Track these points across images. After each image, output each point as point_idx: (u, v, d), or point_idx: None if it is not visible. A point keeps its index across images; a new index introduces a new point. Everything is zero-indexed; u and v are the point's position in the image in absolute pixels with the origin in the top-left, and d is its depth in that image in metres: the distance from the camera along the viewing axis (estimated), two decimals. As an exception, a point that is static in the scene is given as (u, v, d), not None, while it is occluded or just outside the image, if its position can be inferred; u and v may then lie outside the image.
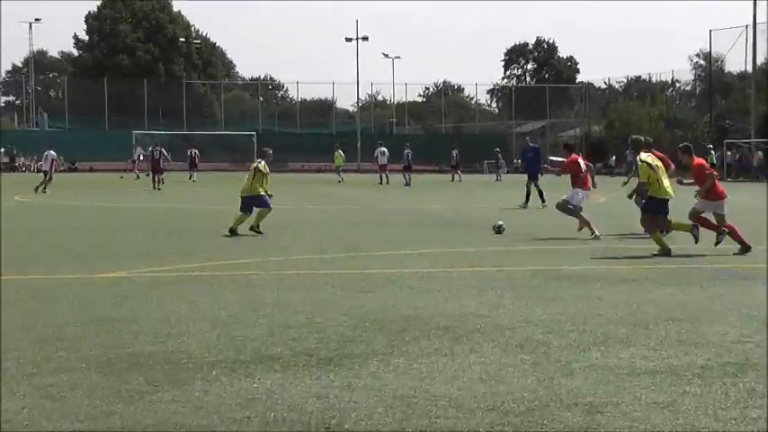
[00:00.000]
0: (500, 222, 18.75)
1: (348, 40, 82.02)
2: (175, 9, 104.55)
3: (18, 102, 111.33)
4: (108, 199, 33.47)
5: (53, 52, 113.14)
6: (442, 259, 14.68)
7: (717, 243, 15.31)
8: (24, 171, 70.02)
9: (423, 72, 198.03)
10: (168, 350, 7.78)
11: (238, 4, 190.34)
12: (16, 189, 39.63)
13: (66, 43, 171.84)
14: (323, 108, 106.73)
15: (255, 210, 18.69)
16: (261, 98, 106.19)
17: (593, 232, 17.45)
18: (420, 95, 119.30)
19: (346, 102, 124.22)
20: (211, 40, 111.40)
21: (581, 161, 19.03)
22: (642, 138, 17.08)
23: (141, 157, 57.04)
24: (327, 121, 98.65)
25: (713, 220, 15.69)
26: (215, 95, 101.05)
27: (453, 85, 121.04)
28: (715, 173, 16.48)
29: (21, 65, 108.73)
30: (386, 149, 51.50)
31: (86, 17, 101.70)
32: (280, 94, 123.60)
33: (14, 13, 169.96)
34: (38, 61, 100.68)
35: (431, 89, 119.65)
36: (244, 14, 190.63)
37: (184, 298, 10.50)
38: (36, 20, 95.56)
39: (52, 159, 38.98)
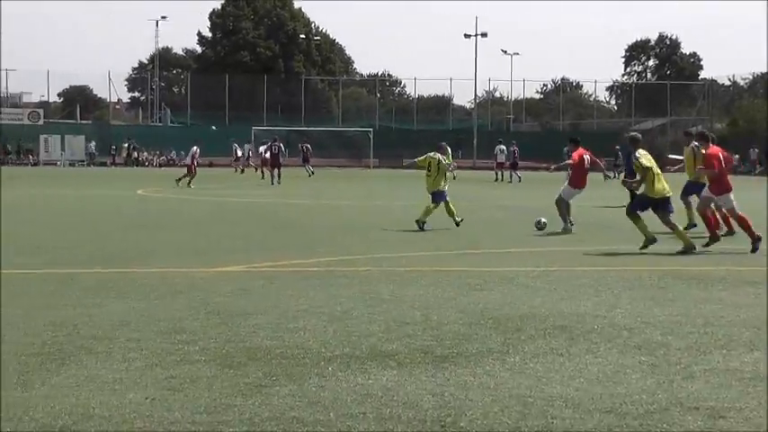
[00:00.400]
0: (543, 219, 18.86)
1: (467, 36, 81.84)
2: (296, 6, 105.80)
3: (143, 98, 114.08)
4: (227, 193, 34.04)
5: (177, 49, 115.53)
6: (558, 258, 14.53)
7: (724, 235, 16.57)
8: (147, 166, 71.70)
9: (541, 69, 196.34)
10: (285, 344, 7.88)
11: (358, 2, 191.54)
12: (140, 183, 40.65)
13: (190, 40, 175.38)
14: (440, 104, 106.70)
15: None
16: (378, 94, 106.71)
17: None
18: (538, 92, 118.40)
19: (463, 98, 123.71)
20: (331, 36, 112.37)
21: (586, 156, 19.69)
22: (638, 134, 17.17)
23: (249, 154, 57.74)
24: (444, 118, 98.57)
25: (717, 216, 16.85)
26: (333, 92, 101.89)
27: (572, 82, 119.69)
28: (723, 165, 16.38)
29: (146, 61, 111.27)
30: (505, 147, 51.38)
31: (210, 14, 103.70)
32: (397, 91, 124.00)
33: (142, 11, 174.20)
34: (162, 58, 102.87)
35: (549, 86, 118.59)
36: (363, 11, 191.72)
37: (301, 293, 10.61)
38: (162, 17, 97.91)
39: (192, 154, 39.87)
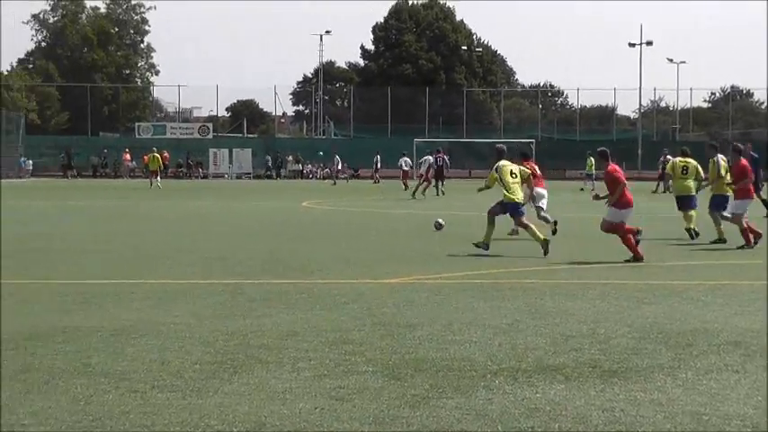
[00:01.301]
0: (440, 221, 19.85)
1: (631, 45, 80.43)
2: (458, 18, 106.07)
3: (307, 111, 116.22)
4: (389, 205, 34.27)
5: (341, 63, 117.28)
6: (730, 271, 14.10)
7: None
8: (311, 178, 72.93)
9: (709, 77, 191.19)
10: (451, 356, 7.87)
11: (520, 12, 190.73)
12: (304, 195, 41.38)
13: (353, 54, 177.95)
14: (603, 115, 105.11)
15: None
16: (540, 105, 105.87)
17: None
18: (705, 101, 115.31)
19: (627, 108, 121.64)
20: (492, 47, 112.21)
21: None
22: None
23: (404, 166, 57.79)
24: (607, 128, 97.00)
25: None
26: (494, 103, 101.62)
27: (741, 90, 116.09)
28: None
29: (311, 75, 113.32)
30: (671, 158, 50.16)
31: (373, 28, 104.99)
32: (559, 101, 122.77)
33: (307, 26, 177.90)
34: (326, 72, 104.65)
35: (717, 94, 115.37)
36: (524, 22, 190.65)
37: (466, 305, 10.60)
38: (326, 32, 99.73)
39: (430, 164, 40.81)
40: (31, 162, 71.68)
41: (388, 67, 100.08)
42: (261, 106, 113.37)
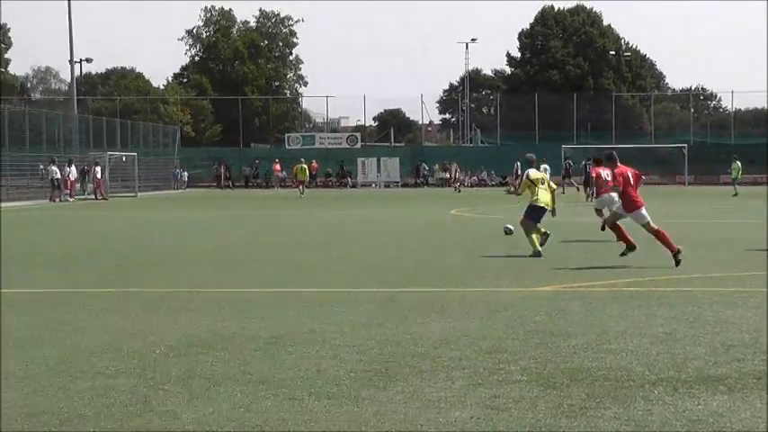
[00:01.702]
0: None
1: (787, 44, 77.82)
2: (605, 23, 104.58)
3: (453, 119, 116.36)
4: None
5: (486, 70, 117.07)
6: None
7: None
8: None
9: None
10: (608, 366, 7.75)
11: (668, 13, 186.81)
12: (453, 203, 41.39)
13: (498, 61, 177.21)
14: (759, 118, 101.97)
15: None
16: (692, 109, 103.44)
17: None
18: None
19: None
20: (641, 51, 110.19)
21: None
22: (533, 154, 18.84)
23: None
24: (764, 132, 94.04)
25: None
26: (644, 108, 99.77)
27: None
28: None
29: (457, 83, 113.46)
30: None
31: (519, 35, 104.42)
32: (712, 105, 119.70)
33: (453, 35, 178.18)
34: (472, 79, 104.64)
35: None
36: (673, 25, 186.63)
37: (620, 313, 10.43)
38: (472, 40, 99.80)
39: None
40: (186, 174, 73.74)
41: (535, 73, 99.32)
42: (407, 115, 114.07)
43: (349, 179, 73.81)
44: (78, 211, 38.76)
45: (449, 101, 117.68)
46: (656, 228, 15.79)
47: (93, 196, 50.74)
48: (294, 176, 55.14)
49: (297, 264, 16.23)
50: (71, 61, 66.59)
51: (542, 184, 17.82)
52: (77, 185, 52.03)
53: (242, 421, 6.25)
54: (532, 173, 18.02)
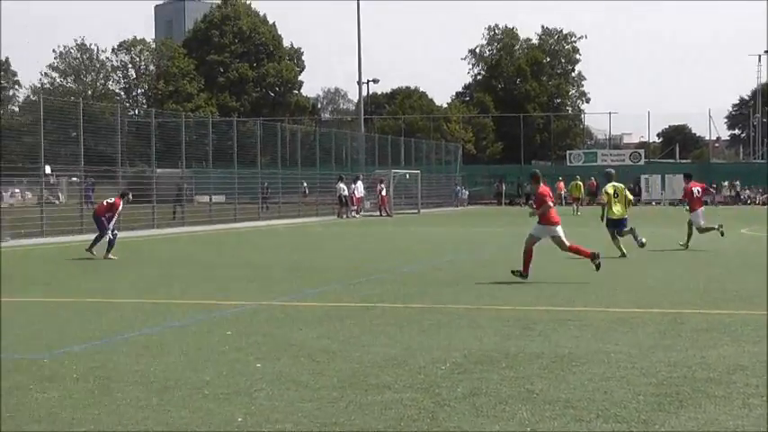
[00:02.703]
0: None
1: None
2: None
3: (743, 135, 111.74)
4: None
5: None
6: None
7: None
8: (749, 203, 69.90)
9: None
10: None
11: None
12: (744, 222, 39.60)
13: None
14: None
15: None
16: None
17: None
18: None
19: None
20: None
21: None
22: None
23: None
24: None
25: None
26: None
27: None
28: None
29: (747, 97, 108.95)
30: None
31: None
32: None
33: (745, 47, 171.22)
34: (765, 93, 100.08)
35: None
36: None
37: None
38: (765, 52, 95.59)
39: None
40: (466, 191, 74.51)
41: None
42: (694, 131, 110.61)
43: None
44: (364, 227, 39.93)
45: (738, 116, 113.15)
46: None
47: (378, 213, 52.13)
48: (569, 194, 54.81)
49: (577, 283, 15.96)
50: (359, 82, 69.02)
51: (616, 196, 21.87)
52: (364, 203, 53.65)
53: (529, 441, 6.20)
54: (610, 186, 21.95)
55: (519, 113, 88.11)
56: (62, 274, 18.94)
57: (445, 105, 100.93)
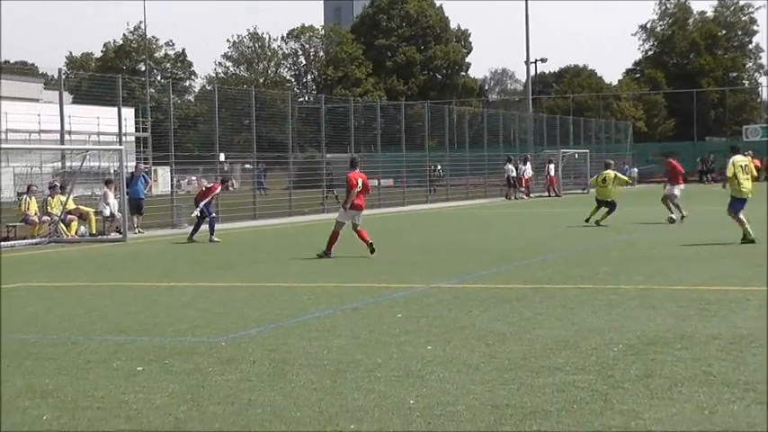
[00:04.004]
0: None
1: None
2: None
3: None
4: None
5: None
6: None
7: None
8: None
9: None
10: None
11: None
12: None
13: None
14: None
15: None
16: None
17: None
18: None
19: None
20: None
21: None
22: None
23: None
24: None
25: None
26: None
27: None
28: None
29: None
30: None
31: None
32: None
33: None
34: None
35: None
36: None
37: None
38: None
39: None
40: (636, 170, 72.95)
41: None
42: None
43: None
44: (533, 207, 39.61)
45: None
46: None
47: (547, 193, 51.61)
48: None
49: (752, 261, 15.40)
50: (527, 62, 68.43)
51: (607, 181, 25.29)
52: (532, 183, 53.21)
53: (707, 424, 6.03)
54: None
55: (692, 89, 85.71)
56: (239, 259, 19.41)
57: (615, 83, 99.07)
